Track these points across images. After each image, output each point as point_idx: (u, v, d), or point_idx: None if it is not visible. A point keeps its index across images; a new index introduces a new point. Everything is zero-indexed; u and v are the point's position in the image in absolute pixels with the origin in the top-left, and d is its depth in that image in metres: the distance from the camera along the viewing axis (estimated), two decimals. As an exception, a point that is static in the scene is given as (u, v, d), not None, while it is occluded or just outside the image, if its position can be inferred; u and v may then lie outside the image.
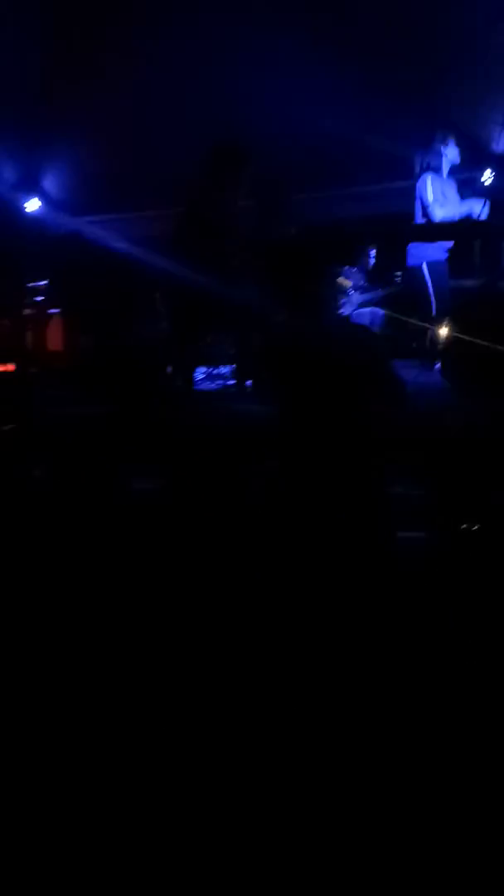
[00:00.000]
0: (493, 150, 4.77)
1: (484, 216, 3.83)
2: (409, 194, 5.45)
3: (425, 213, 3.84)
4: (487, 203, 3.81)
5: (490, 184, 3.92)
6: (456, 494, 3.25)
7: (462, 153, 3.89)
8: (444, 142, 3.81)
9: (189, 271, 2.82)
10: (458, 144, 3.90)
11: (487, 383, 3.13)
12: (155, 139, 4.85)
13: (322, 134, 4.34)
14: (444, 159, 3.82)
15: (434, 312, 3.79)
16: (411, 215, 5.40)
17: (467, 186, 3.95)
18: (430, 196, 3.80)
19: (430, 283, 3.85)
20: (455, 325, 3.27)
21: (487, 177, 3.86)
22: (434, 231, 3.81)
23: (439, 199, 3.80)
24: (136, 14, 3.73)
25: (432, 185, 3.81)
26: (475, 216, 3.84)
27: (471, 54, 3.20)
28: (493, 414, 2.86)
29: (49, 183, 5.74)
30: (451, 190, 3.89)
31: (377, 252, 5.38)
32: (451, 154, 3.82)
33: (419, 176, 3.92)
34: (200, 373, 3.82)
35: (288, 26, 3.80)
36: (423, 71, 2.95)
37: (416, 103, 3.48)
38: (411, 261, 4.03)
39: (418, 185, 3.91)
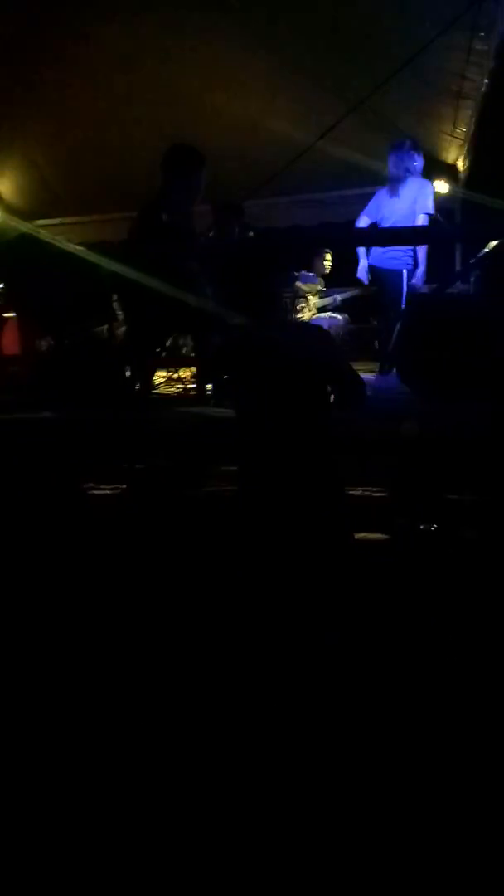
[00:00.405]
0: (443, 160, 4.91)
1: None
2: (366, 202, 5.58)
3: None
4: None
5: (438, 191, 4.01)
6: (414, 496, 3.30)
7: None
8: (414, 151, 3.90)
9: (146, 274, 2.80)
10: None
11: (443, 387, 3.19)
12: (109, 143, 4.82)
13: (280, 141, 4.39)
14: (413, 168, 3.91)
15: (393, 318, 3.85)
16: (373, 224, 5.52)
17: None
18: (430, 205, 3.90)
19: (390, 290, 3.92)
20: (412, 330, 3.32)
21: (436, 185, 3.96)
22: (390, 236, 3.88)
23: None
24: (87, 19, 3.71)
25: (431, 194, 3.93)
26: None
27: (418, 72, 3.27)
28: (449, 417, 2.92)
29: (2, 187, 5.65)
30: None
31: (335, 258, 5.46)
32: (420, 164, 3.93)
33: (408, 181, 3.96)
34: (160, 377, 3.80)
35: (245, 38, 3.83)
36: (374, 88, 3.02)
37: (368, 117, 3.55)
38: (372, 261, 4.07)
39: (417, 191, 3.97)
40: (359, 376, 2.36)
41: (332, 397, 2.39)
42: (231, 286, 2.44)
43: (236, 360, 2.40)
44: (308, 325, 2.84)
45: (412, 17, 3.44)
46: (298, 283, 5.04)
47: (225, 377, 2.50)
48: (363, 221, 4.16)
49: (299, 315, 4.83)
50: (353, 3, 3.44)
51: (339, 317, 5.07)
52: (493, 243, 3.55)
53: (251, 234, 4.60)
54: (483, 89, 3.95)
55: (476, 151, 4.76)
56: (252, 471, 2.46)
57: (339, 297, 5.25)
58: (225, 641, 2.22)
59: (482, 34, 3.42)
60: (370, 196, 5.50)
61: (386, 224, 3.99)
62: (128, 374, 3.43)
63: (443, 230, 3.99)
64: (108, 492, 3.44)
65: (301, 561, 2.34)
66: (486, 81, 3.86)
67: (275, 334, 2.32)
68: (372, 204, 4.11)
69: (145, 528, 3.10)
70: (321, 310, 5.16)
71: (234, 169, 4.20)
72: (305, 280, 5.13)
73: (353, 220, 5.57)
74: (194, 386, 3.49)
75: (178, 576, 2.75)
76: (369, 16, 3.51)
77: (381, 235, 3.82)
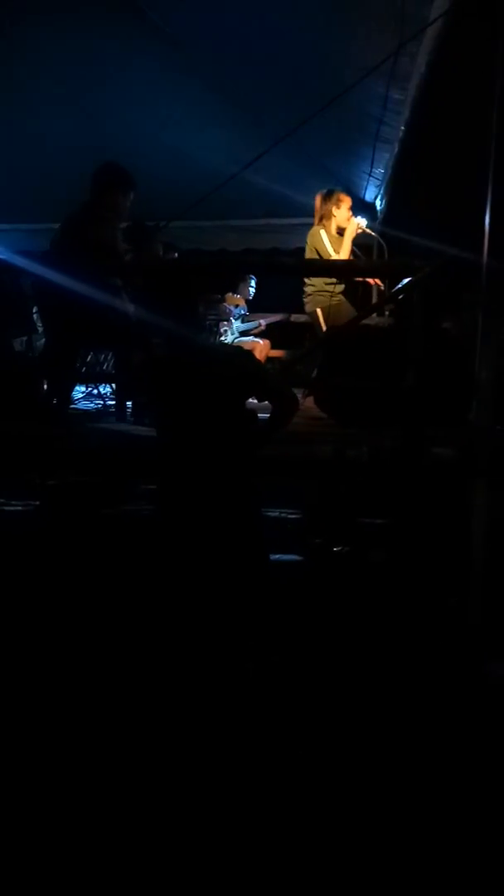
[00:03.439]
0: (363, 198, 5.16)
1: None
2: (290, 231, 5.76)
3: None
4: None
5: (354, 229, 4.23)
6: (328, 518, 3.39)
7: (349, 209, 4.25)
8: (341, 199, 4.20)
9: (68, 287, 2.77)
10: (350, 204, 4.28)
11: (357, 413, 3.31)
12: (34, 154, 4.75)
13: (209, 166, 4.47)
14: (339, 214, 4.18)
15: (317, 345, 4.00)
16: (292, 250, 5.71)
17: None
18: (329, 248, 4.10)
19: (323, 325, 4.09)
20: (328, 357, 3.44)
21: (352, 224, 4.19)
22: (316, 268, 4.06)
23: (334, 249, 4.12)
24: (19, 38, 3.67)
25: (326, 237, 4.13)
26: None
27: (343, 114, 3.44)
28: (363, 442, 3.03)
29: None
30: (339, 241, 4.20)
31: (259, 283, 5.58)
32: (343, 212, 4.18)
33: (313, 227, 4.24)
34: (78, 391, 3.74)
35: (176, 65, 3.90)
36: (299, 123, 3.16)
37: (292, 150, 3.69)
38: (307, 308, 4.31)
39: (311, 235, 4.21)
40: (289, 390, 2.41)
41: (256, 417, 2.43)
42: (157, 305, 2.45)
43: (159, 379, 2.41)
44: (231, 346, 2.89)
45: (337, 63, 3.61)
46: (224, 305, 5.12)
47: (146, 395, 2.50)
48: None
49: (221, 338, 4.89)
50: (284, 44, 3.58)
51: (260, 341, 5.17)
52: (406, 279, 3.78)
53: (175, 254, 4.65)
54: (400, 135, 4.20)
55: (392, 192, 5.04)
56: (171, 489, 2.46)
57: (263, 322, 5.37)
58: (137, 660, 2.19)
59: (399, 85, 3.64)
60: (295, 226, 5.72)
61: None
62: (45, 387, 3.36)
63: (359, 265, 4.19)
64: (18, 508, 3.34)
65: (217, 579, 2.35)
66: (402, 128, 4.10)
67: (198, 354, 2.35)
68: None
69: (56, 545, 3.02)
70: (244, 333, 5.25)
71: (161, 189, 4.23)
72: (227, 309, 5.21)
73: (278, 248, 5.79)
74: (114, 402, 3.46)
75: (89, 593, 2.69)
76: (299, 57, 3.66)
77: (301, 266, 3.96)
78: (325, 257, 4.10)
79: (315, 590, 2.91)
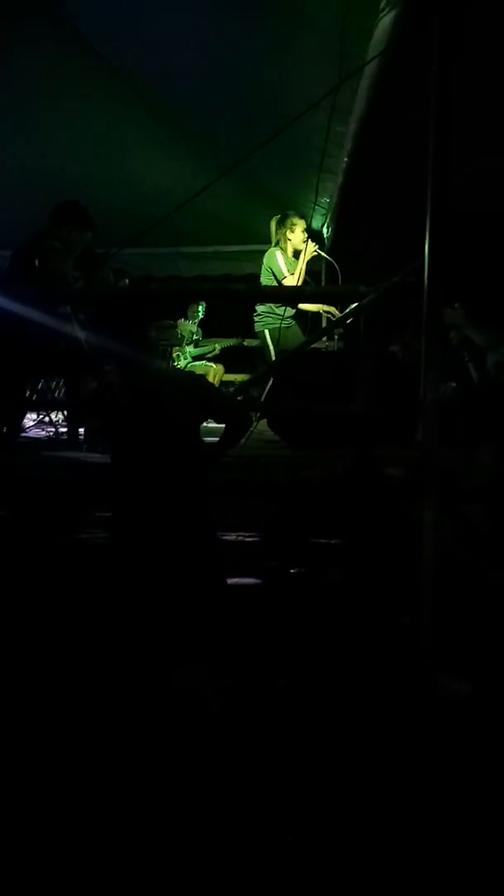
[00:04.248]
0: (310, 226, 5.31)
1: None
2: (240, 258, 5.87)
3: (277, 282, 4.25)
4: None
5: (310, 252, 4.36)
6: (284, 540, 3.42)
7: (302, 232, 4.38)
8: (295, 223, 4.33)
9: (18, 314, 2.76)
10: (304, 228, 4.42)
11: (308, 434, 3.37)
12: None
13: (161, 194, 4.55)
14: (293, 237, 4.32)
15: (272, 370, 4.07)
16: (244, 277, 5.80)
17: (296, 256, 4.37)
18: (283, 268, 4.22)
19: (271, 347, 4.17)
20: (280, 382, 3.50)
21: (308, 247, 4.31)
22: (266, 294, 4.15)
23: (289, 270, 4.24)
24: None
25: (282, 258, 4.25)
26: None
27: (290, 145, 3.56)
28: (315, 463, 3.08)
29: None
30: (294, 263, 4.33)
31: (212, 308, 5.66)
32: (298, 235, 4.32)
33: (270, 248, 4.38)
34: (29, 419, 3.69)
35: (128, 96, 3.96)
36: (246, 154, 3.27)
37: (241, 179, 3.79)
38: (256, 327, 4.40)
39: (268, 256, 4.33)
40: (241, 409, 2.44)
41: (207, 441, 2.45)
42: (109, 331, 2.47)
43: (112, 405, 2.41)
44: (183, 371, 2.92)
45: (282, 94, 3.74)
46: (175, 331, 5.16)
47: (100, 421, 2.50)
48: None
49: (174, 363, 4.92)
50: (230, 75, 3.68)
51: (213, 365, 5.22)
52: (353, 304, 3.90)
53: (126, 281, 4.67)
54: (343, 166, 4.35)
55: (337, 221, 5.20)
56: (125, 515, 2.45)
57: (218, 346, 5.43)
58: (88, 687, 2.15)
59: (341, 118, 3.78)
60: (246, 253, 5.83)
61: None
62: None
63: (307, 291, 4.30)
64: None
65: (173, 604, 2.34)
66: (345, 160, 4.25)
67: (151, 380, 2.36)
68: None
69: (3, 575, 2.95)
70: (197, 358, 5.29)
71: (112, 216, 4.25)
72: (181, 334, 5.26)
73: (230, 274, 5.89)
74: (66, 429, 3.43)
75: (39, 623, 2.63)
76: (244, 88, 3.77)
77: (251, 292, 4.05)
78: (280, 278, 4.21)
79: (272, 611, 2.92)
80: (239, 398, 3.29)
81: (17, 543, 3.08)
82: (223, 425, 2.49)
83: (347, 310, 3.78)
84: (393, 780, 1.80)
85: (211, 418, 2.46)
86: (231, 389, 5.47)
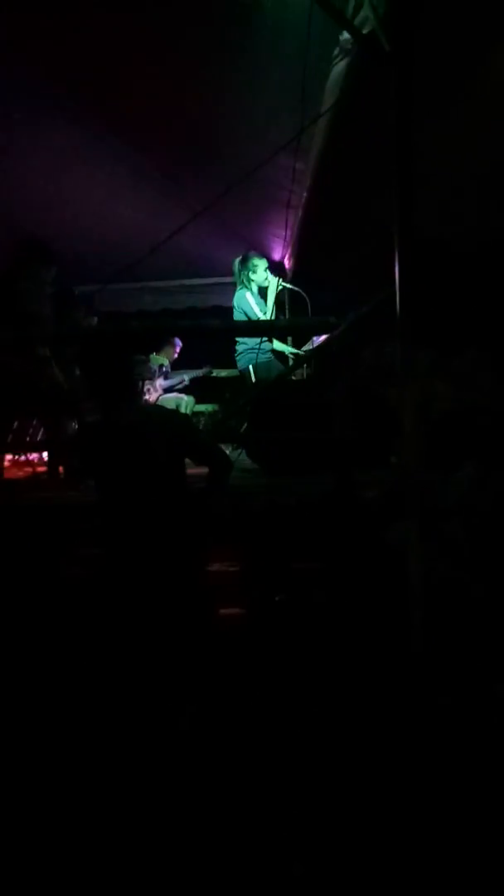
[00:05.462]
0: (272, 258, 5.46)
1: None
2: (204, 291, 5.97)
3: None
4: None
5: (275, 287, 4.49)
6: (266, 568, 3.45)
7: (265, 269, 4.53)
8: (256, 263, 4.46)
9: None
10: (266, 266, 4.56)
11: (288, 462, 3.43)
12: None
13: (129, 231, 4.62)
14: (256, 277, 4.46)
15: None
16: (209, 309, 5.91)
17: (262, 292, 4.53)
18: (255, 309, 4.36)
19: (255, 380, 4.26)
20: (257, 412, 3.56)
21: (272, 282, 4.45)
22: (242, 329, 4.27)
23: (261, 309, 4.39)
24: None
25: (252, 298, 4.40)
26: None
27: (254, 183, 3.68)
28: (294, 489, 3.14)
29: None
30: (262, 300, 4.48)
31: (182, 341, 5.71)
32: (260, 274, 4.47)
33: (238, 290, 4.50)
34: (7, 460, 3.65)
35: (97, 135, 4.03)
36: (213, 190, 3.36)
37: (205, 215, 3.89)
38: (240, 365, 4.49)
39: (238, 298, 4.45)
40: (221, 451, 2.49)
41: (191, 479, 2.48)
42: (88, 371, 2.49)
43: (97, 444, 2.42)
44: (165, 409, 2.95)
45: (243, 134, 3.88)
46: (148, 364, 5.19)
47: (83, 461, 2.50)
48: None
49: (146, 396, 4.94)
50: (206, 122, 3.79)
51: (184, 397, 5.26)
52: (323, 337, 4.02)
53: (95, 319, 4.70)
54: (303, 200, 4.52)
55: (298, 252, 5.37)
56: (114, 552, 2.45)
57: (186, 378, 5.48)
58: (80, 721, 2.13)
59: (302, 158, 3.94)
60: (210, 286, 5.94)
61: None
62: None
63: (280, 324, 4.45)
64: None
65: (164, 640, 2.35)
66: (304, 195, 4.42)
67: (135, 418, 2.39)
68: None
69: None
70: (167, 390, 5.33)
71: (79, 254, 4.30)
72: (152, 367, 5.29)
73: (195, 307, 5.99)
74: (45, 470, 3.41)
75: (27, 661, 2.60)
76: (216, 134, 3.90)
77: (229, 328, 4.16)
78: (254, 318, 4.32)
79: (259, 638, 2.93)
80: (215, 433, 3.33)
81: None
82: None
83: (319, 340, 3.91)
84: (391, 780, 1.83)
85: (190, 458, 2.49)
86: (201, 420, 5.54)
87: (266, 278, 4.47)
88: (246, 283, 4.43)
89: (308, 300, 4.32)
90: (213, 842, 1.66)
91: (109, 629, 2.45)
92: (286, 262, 5.57)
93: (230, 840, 1.67)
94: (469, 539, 2.96)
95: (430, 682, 2.31)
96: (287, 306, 5.26)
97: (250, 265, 4.46)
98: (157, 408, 3.21)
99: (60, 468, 3.24)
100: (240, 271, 4.47)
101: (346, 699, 2.32)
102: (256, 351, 4.27)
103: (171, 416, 2.59)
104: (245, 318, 4.37)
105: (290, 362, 4.88)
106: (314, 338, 4.72)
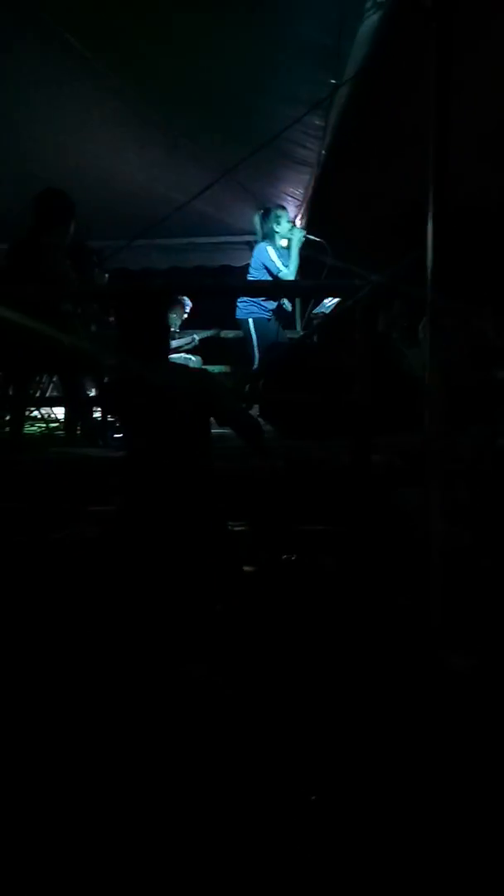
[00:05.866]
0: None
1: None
2: (213, 249, 5.87)
3: (272, 276, 4.30)
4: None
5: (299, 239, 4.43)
6: (274, 529, 3.48)
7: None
8: (280, 214, 4.40)
9: (15, 312, 2.72)
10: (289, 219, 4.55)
11: (301, 425, 3.45)
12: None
13: (139, 190, 4.53)
14: (280, 228, 4.39)
15: (256, 363, 4.14)
16: (217, 269, 5.82)
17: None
18: (277, 262, 4.28)
19: (254, 336, 4.20)
20: (271, 373, 3.56)
21: (297, 234, 4.39)
22: (263, 289, 4.23)
23: (284, 263, 4.31)
24: None
25: (274, 252, 4.32)
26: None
27: (261, 136, 3.59)
28: (307, 452, 3.16)
29: None
30: (283, 255, 4.38)
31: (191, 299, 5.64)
32: (284, 225, 4.40)
33: (257, 243, 4.44)
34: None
35: (108, 94, 3.91)
36: (226, 146, 3.29)
37: (215, 172, 3.81)
38: (239, 314, 4.42)
39: (258, 251, 4.38)
40: (246, 412, 2.49)
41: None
42: (117, 327, 2.46)
43: (124, 399, 2.42)
44: (190, 368, 2.94)
45: (260, 90, 3.78)
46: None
47: (109, 416, 2.50)
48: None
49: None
50: (223, 80, 3.68)
51: (192, 357, 5.23)
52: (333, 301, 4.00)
53: (106, 276, 4.63)
54: (320, 158, 4.42)
55: (311, 211, 5.28)
56: (136, 507, 2.47)
57: (197, 337, 5.43)
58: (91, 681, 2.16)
59: (320, 113, 3.84)
60: (218, 245, 5.84)
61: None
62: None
63: (304, 285, 4.42)
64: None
65: (181, 596, 2.39)
66: (323, 152, 4.32)
67: (163, 374, 2.38)
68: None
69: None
70: (176, 350, 5.29)
71: (88, 210, 4.21)
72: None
73: (202, 265, 5.90)
74: (61, 425, 3.40)
75: (40, 619, 2.62)
76: (233, 91, 3.78)
77: (252, 287, 4.12)
78: (275, 272, 4.26)
79: (269, 597, 2.97)
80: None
81: (15, 538, 3.05)
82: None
83: (327, 302, 3.87)
84: (403, 751, 1.86)
85: (215, 419, 2.49)
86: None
87: (290, 229, 4.40)
88: (270, 235, 4.35)
89: (329, 252, 4.24)
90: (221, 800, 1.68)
91: (126, 586, 2.47)
92: (297, 222, 5.48)
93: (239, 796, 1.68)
94: (475, 504, 3.00)
95: (446, 648, 2.34)
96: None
97: (273, 216, 4.38)
98: (184, 367, 3.20)
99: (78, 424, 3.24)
100: (262, 224, 4.39)
101: (359, 659, 2.35)
102: (259, 306, 4.23)
103: (201, 374, 2.59)
104: (264, 272, 4.30)
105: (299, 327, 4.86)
106: (325, 301, 4.69)
